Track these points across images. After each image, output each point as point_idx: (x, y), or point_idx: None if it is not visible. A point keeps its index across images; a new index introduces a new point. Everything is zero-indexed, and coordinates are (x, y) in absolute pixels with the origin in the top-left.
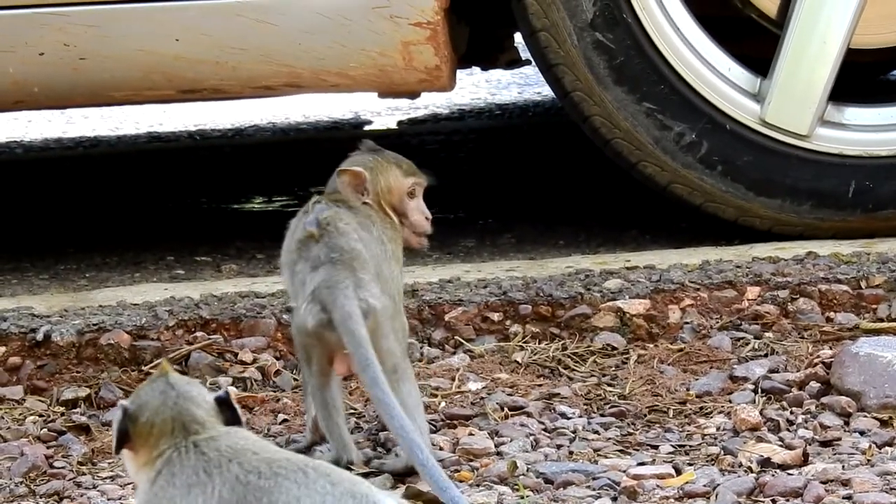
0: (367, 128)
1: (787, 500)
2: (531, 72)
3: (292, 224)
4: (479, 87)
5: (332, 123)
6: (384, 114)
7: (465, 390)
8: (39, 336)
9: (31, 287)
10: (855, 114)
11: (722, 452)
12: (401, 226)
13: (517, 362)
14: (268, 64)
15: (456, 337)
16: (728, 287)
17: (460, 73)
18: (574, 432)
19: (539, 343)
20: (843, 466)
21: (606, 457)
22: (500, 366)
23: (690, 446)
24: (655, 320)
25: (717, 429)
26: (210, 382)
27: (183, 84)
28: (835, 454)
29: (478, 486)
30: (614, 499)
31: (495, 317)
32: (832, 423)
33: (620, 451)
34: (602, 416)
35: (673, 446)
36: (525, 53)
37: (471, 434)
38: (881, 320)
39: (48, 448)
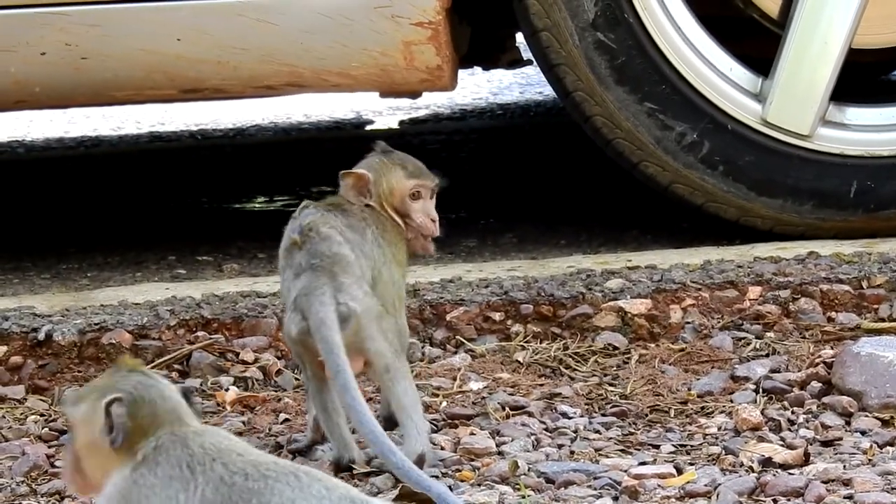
0: (368, 127)
1: (789, 500)
2: (533, 72)
3: (286, 230)
4: (480, 87)
5: (333, 123)
6: (386, 113)
7: (467, 390)
8: (41, 335)
9: (33, 286)
10: (856, 114)
11: (723, 452)
12: (406, 228)
13: (518, 362)
14: (269, 63)
15: (457, 336)
16: (729, 287)
17: (462, 73)
18: (575, 432)
19: (540, 343)
20: (845, 466)
21: (608, 456)
22: (501, 365)
23: (692, 446)
24: (657, 320)
25: (719, 428)
26: (212, 382)
27: (185, 84)
28: (836, 454)
29: (479, 485)
30: (615, 498)
31: (497, 316)
32: (833, 422)
33: (622, 450)
34: (603, 415)
35: (674, 446)
36: (527, 53)
37: (472, 434)
38: (882, 320)
39: (49, 447)
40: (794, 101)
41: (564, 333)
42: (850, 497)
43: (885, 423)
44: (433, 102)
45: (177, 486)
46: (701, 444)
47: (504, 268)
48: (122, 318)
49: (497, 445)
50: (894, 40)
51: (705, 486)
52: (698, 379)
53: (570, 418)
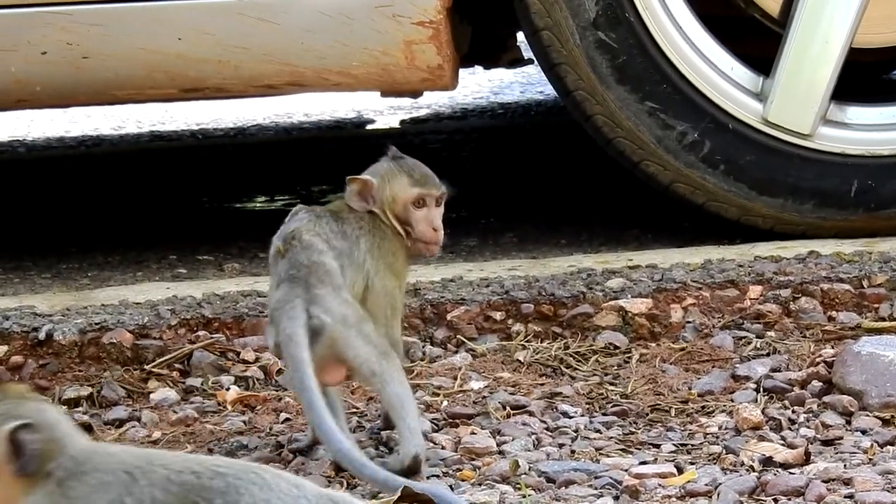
0: (369, 127)
1: (789, 500)
2: (533, 71)
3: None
4: (481, 87)
5: (334, 122)
6: (386, 113)
7: (467, 389)
8: (41, 335)
9: (34, 286)
10: (857, 113)
11: (724, 451)
12: (407, 237)
13: (519, 361)
14: (270, 63)
15: (458, 336)
16: (730, 286)
17: (463, 73)
18: (576, 431)
19: (541, 342)
20: (845, 465)
21: (608, 456)
22: (502, 365)
23: (692, 445)
24: (657, 319)
25: (719, 428)
26: (212, 381)
27: (185, 83)
28: (836, 453)
29: (480, 485)
30: (616, 498)
31: (497, 316)
32: (834, 422)
33: (622, 450)
34: (604, 415)
35: (675, 445)
36: (527, 52)
37: (473, 433)
38: (883, 319)
39: None
40: (795, 100)
41: (565, 333)
42: (850, 496)
43: (886, 423)
44: (434, 102)
45: (118, 490)
46: (701, 444)
47: (505, 267)
48: (123, 317)
49: (498, 445)
50: (895, 40)
51: (706, 485)
52: (699, 378)
53: (570, 418)
